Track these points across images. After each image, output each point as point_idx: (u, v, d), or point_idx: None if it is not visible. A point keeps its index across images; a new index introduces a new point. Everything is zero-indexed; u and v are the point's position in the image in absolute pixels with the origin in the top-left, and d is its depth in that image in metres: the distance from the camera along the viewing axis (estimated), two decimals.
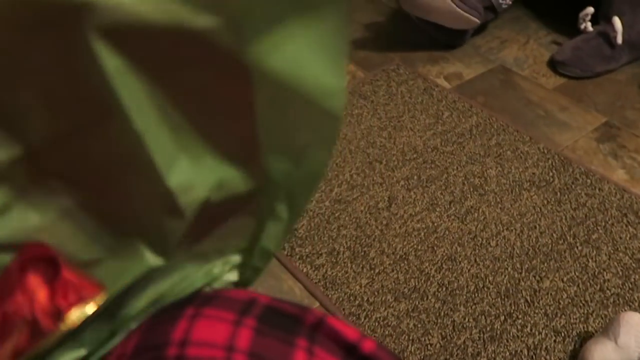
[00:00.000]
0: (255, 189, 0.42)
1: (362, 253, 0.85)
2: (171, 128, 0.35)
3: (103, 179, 0.37)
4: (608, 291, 0.82)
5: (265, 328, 0.32)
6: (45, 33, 0.28)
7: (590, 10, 1.25)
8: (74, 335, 0.39)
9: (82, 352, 0.41)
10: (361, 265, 0.84)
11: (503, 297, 0.81)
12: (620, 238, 0.89)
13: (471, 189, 0.97)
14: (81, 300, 0.35)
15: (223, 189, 0.40)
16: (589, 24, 1.26)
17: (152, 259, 0.40)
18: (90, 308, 0.35)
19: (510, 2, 1.26)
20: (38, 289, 0.35)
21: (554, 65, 1.25)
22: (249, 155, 0.40)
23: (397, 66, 1.25)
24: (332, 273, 0.82)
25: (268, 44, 0.33)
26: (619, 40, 1.20)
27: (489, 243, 0.88)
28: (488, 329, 0.77)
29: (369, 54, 1.29)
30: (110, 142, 0.34)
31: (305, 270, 0.82)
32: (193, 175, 0.37)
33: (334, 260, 0.84)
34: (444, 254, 0.86)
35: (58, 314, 0.35)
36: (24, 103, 0.32)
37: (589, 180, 0.98)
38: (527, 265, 0.85)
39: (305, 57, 0.35)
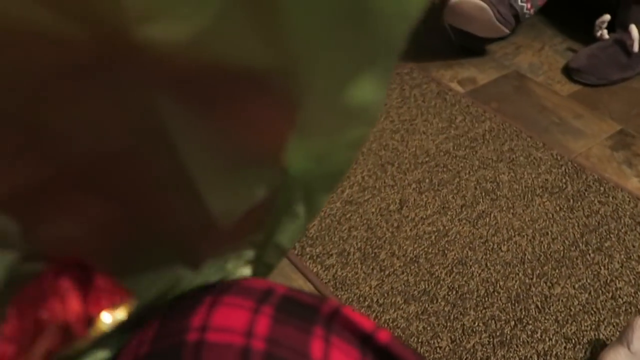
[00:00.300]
0: (279, 185, 0.42)
1: (373, 254, 0.85)
2: (212, 156, 0.35)
3: (144, 200, 0.37)
4: (620, 299, 0.81)
5: (282, 316, 0.32)
6: (94, 70, 0.27)
7: (607, 17, 1.24)
8: (102, 338, 0.40)
9: (107, 354, 0.42)
10: (371, 267, 0.84)
11: (514, 302, 0.80)
12: (634, 246, 0.88)
13: (483, 194, 0.96)
14: (112, 306, 0.36)
15: (252, 199, 0.40)
16: (605, 31, 1.25)
17: (182, 271, 0.41)
18: (120, 314, 0.36)
19: (534, 12, 1.26)
20: (71, 295, 0.36)
21: (569, 72, 1.24)
22: (276, 161, 0.39)
23: (410, 70, 1.25)
24: (342, 274, 0.82)
25: (320, 91, 0.32)
26: (636, 48, 1.19)
27: (500, 248, 0.88)
28: (498, 333, 0.77)
29: None
30: (154, 167, 0.34)
31: (315, 270, 0.82)
32: (233, 200, 0.38)
33: (344, 261, 0.84)
34: (455, 257, 0.86)
35: (90, 320, 0.36)
36: (71, 127, 0.31)
37: (602, 188, 0.98)
38: (538, 271, 0.84)
39: (360, 85, 0.33)
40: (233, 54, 0.29)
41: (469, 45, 1.30)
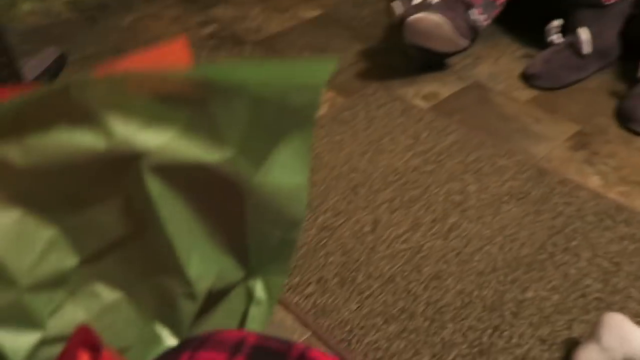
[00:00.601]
0: (242, 278, 0.55)
1: (350, 278, 0.88)
2: (189, 232, 0.48)
3: (139, 276, 0.48)
4: (589, 296, 0.85)
5: None
6: (112, 171, 0.43)
7: (557, 22, 1.29)
8: None
9: None
10: (350, 291, 0.86)
11: (489, 310, 0.83)
12: (599, 243, 0.92)
13: (452, 206, 1.00)
14: None
15: (222, 279, 0.53)
16: (557, 36, 1.30)
17: (169, 341, 0.51)
18: None
19: (489, 23, 1.30)
20: None
21: (526, 78, 1.29)
22: (240, 250, 0.53)
23: (374, 90, 1.29)
24: (322, 301, 0.85)
25: (259, 173, 0.47)
26: (587, 50, 1.24)
27: (473, 258, 0.91)
28: (476, 343, 0.80)
29: (347, 80, 1.33)
30: (147, 246, 0.46)
31: (295, 300, 0.85)
32: (203, 267, 0.50)
33: (323, 288, 0.87)
34: (430, 272, 0.89)
35: None
36: (87, 222, 0.45)
37: (565, 189, 1.02)
38: (510, 277, 0.88)
39: (284, 173, 0.48)
40: (195, 153, 0.44)
41: (429, 61, 1.35)
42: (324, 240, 0.94)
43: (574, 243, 0.93)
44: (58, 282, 0.45)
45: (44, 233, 0.43)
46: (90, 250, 0.46)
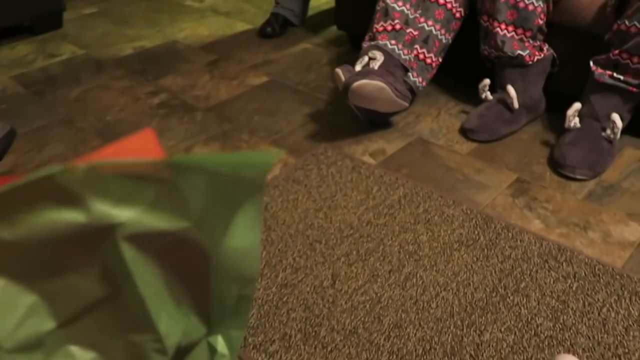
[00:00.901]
0: (205, 334, 0.60)
1: (313, 333, 0.89)
2: (159, 293, 0.53)
3: (112, 335, 0.52)
4: (542, 334, 0.89)
5: None
6: (90, 241, 0.48)
7: (487, 81, 1.40)
8: None
9: None
10: (313, 346, 0.87)
11: (450, 355, 0.86)
12: (546, 283, 0.97)
13: (407, 256, 1.03)
14: None
15: (187, 336, 0.57)
16: (488, 93, 1.41)
17: None
18: None
19: (425, 84, 1.40)
20: None
21: (464, 132, 1.38)
22: (202, 308, 0.58)
23: (325, 149, 1.34)
24: (287, 357, 0.85)
25: (219, 237, 0.55)
26: (516, 105, 1.35)
27: (430, 305, 0.94)
28: None
29: (297, 141, 1.38)
30: (121, 306, 0.51)
31: (260, 358, 0.84)
32: (171, 325, 0.54)
33: (287, 345, 0.87)
34: (390, 322, 0.91)
35: None
36: (65, 287, 0.49)
37: (510, 234, 1.08)
38: (467, 322, 0.91)
39: (240, 235, 0.56)
40: (163, 222, 0.50)
41: (374, 121, 1.42)
42: (285, 297, 0.95)
43: (522, 284, 0.97)
44: (36, 345, 0.49)
45: (25, 299, 0.48)
46: (67, 314, 0.50)
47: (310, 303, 0.94)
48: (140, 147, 0.54)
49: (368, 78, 1.25)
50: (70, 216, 0.46)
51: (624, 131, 1.33)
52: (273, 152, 0.52)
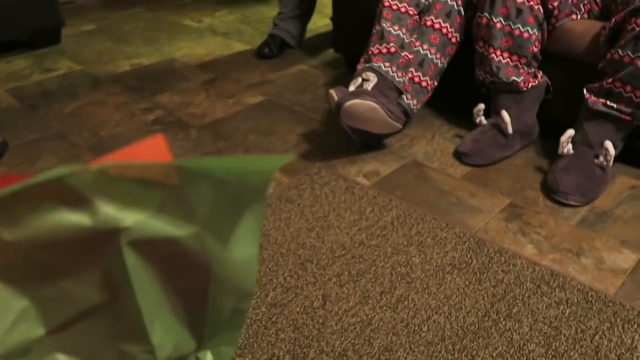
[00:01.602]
0: (194, 349, 0.59)
1: (302, 354, 0.87)
2: (156, 302, 0.52)
3: (102, 344, 0.51)
4: None
5: None
6: (92, 245, 0.47)
7: (482, 106, 1.41)
8: None
9: None
10: None
11: None
12: (538, 309, 0.96)
13: (399, 278, 1.02)
14: None
15: (177, 349, 0.56)
16: (483, 117, 1.42)
17: None
18: None
19: (420, 107, 1.41)
20: None
21: (459, 156, 1.38)
22: (196, 321, 0.57)
23: (318, 169, 1.34)
24: None
25: (221, 246, 0.53)
26: (510, 130, 1.36)
27: (421, 329, 0.92)
28: None
29: (292, 161, 1.38)
30: (116, 314, 0.50)
31: None
32: (164, 336, 0.53)
33: None
34: (380, 345, 0.89)
35: None
36: (59, 293, 0.48)
37: (503, 258, 1.07)
38: (458, 346, 0.89)
39: (240, 246, 0.55)
40: (167, 228, 0.49)
41: (368, 142, 1.42)
42: (275, 317, 0.93)
43: (515, 309, 0.96)
44: (23, 352, 0.47)
45: (18, 303, 0.46)
46: (58, 321, 0.49)
47: (299, 323, 0.92)
48: (150, 153, 0.53)
49: (360, 98, 1.25)
50: (76, 218, 0.45)
51: (617, 159, 1.34)
52: (283, 157, 0.51)
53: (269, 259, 1.06)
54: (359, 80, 1.35)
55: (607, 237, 1.14)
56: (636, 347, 0.89)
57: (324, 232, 1.14)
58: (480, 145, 1.36)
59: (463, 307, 0.96)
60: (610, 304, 0.97)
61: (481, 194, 1.26)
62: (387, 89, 1.35)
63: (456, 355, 0.88)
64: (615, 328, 0.93)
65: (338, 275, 1.03)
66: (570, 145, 1.28)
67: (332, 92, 1.31)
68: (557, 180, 1.24)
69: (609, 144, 1.23)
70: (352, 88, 1.34)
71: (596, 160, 1.26)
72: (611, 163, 1.25)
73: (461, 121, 1.54)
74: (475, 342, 0.90)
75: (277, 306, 0.96)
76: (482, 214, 1.20)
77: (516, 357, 0.88)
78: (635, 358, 0.87)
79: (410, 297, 0.98)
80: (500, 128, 1.38)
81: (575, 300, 0.98)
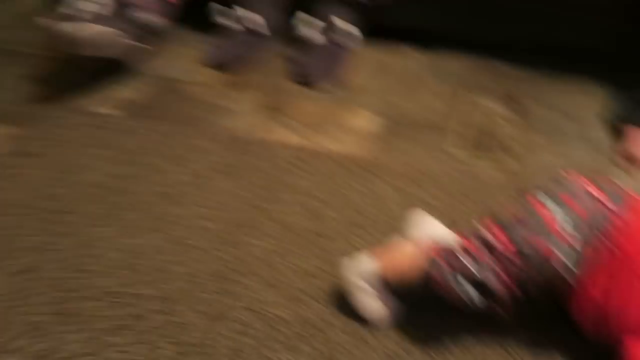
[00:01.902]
0: None
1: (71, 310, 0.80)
2: None
3: None
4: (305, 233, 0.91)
5: None
6: None
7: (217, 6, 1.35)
8: None
9: None
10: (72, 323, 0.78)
11: (217, 280, 0.84)
12: (299, 184, 1.00)
13: (158, 199, 0.98)
14: None
15: None
16: (229, 19, 1.36)
17: None
18: None
19: (162, 21, 1.28)
20: None
21: (209, 65, 1.33)
22: None
23: (58, 110, 1.18)
24: (42, 347, 0.75)
25: None
26: (261, 30, 1.33)
27: (189, 239, 0.91)
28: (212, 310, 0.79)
29: (23, 110, 1.20)
30: None
31: None
32: None
33: (41, 334, 0.77)
34: (150, 268, 0.86)
35: None
36: None
37: (259, 149, 1.08)
38: (232, 241, 0.90)
39: None
40: None
41: (108, 67, 1.27)
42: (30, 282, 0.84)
43: (278, 193, 0.98)
44: None
45: None
46: None
47: (59, 281, 0.84)
48: None
49: (81, 22, 1.12)
50: None
51: (365, 34, 1.38)
52: None
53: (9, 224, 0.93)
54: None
55: (356, 108, 1.20)
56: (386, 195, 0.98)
57: (75, 177, 1.03)
58: (228, 50, 1.33)
59: (230, 206, 0.96)
60: (363, 164, 1.04)
61: (236, 96, 1.24)
62: (118, 8, 1.21)
63: (230, 249, 0.88)
64: (369, 183, 1.00)
65: (97, 217, 0.95)
66: (312, 31, 1.30)
67: (45, 21, 1.14)
68: (302, 66, 1.27)
69: (335, 19, 1.27)
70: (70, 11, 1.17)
71: (331, 38, 1.30)
72: (350, 42, 1.29)
73: (207, 30, 1.46)
74: (248, 235, 0.91)
75: (31, 271, 0.86)
76: (239, 115, 1.19)
77: (289, 236, 0.90)
78: (386, 207, 0.96)
79: (174, 213, 0.95)
80: (246, 28, 1.35)
81: (332, 168, 1.03)
